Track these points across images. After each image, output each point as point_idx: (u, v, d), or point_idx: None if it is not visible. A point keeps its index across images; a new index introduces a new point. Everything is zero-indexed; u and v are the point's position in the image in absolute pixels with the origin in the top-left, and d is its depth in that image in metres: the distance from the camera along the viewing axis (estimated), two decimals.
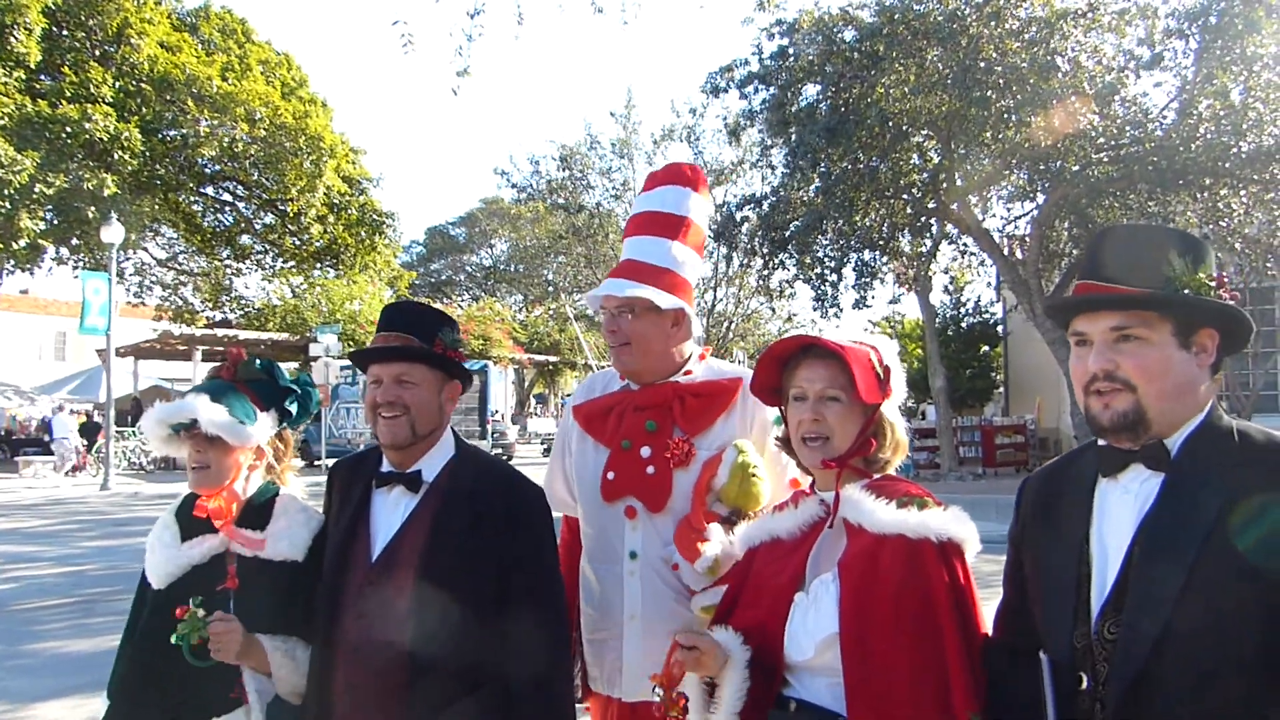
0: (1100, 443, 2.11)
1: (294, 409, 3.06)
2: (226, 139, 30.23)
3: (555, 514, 3.33)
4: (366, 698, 2.56)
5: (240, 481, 2.91)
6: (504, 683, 2.58)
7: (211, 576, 2.79)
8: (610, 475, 3.05)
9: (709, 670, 2.34)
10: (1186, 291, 1.99)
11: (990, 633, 2.28)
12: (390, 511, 2.74)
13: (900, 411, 2.54)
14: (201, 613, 2.62)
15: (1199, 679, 1.83)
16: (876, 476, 2.43)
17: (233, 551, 2.82)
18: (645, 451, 3.02)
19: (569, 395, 3.35)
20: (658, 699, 2.36)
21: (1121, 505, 2.03)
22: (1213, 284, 2.01)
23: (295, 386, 3.07)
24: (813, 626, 2.26)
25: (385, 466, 2.80)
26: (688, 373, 3.16)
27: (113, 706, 2.81)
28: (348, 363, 27.63)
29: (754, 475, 2.86)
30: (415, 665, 2.54)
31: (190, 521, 2.88)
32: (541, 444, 35.29)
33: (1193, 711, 1.83)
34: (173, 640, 2.61)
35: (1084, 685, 1.98)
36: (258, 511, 2.89)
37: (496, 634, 2.60)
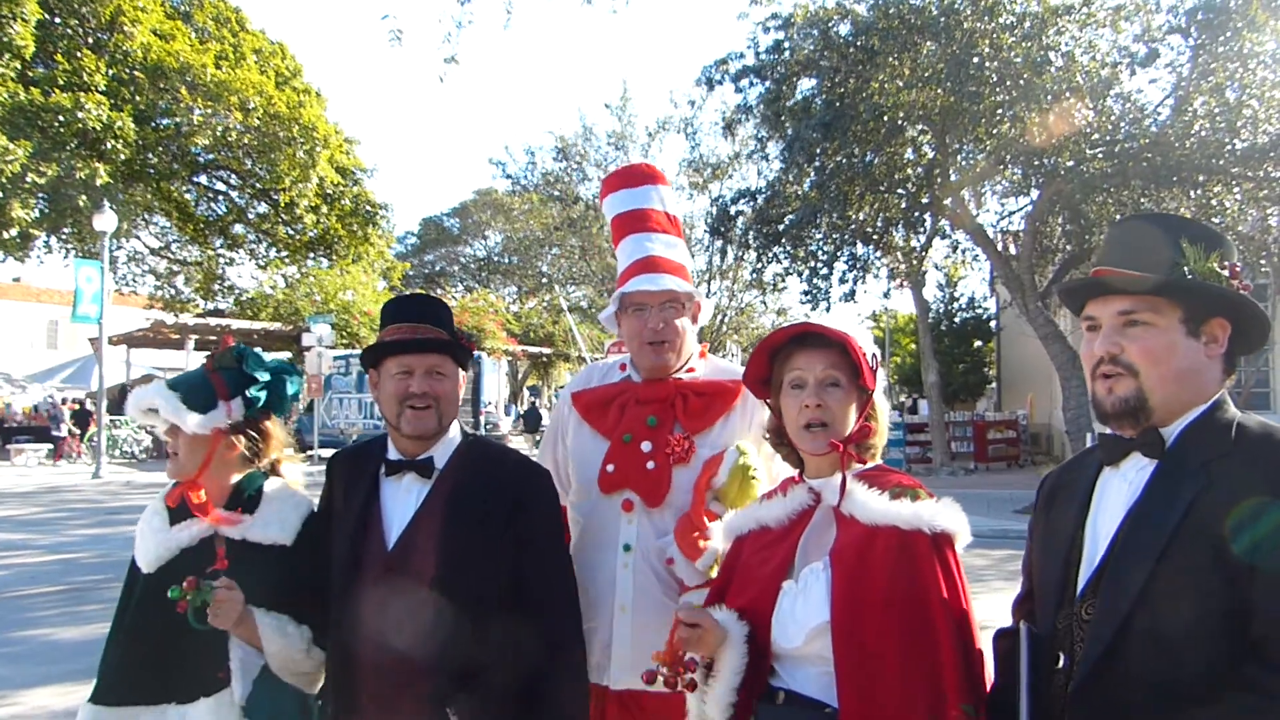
0: (1105, 432, 2.13)
1: (260, 396, 2.99)
2: (220, 128, 30.13)
3: None
4: (393, 681, 2.60)
5: (215, 469, 2.90)
6: (523, 665, 2.62)
7: (200, 559, 2.80)
8: (610, 467, 3.06)
9: (708, 649, 2.35)
10: (1192, 278, 2.00)
11: (980, 625, 2.30)
12: (402, 499, 2.76)
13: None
14: (207, 579, 2.64)
15: (1162, 663, 1.86)
16: (869, 466, 2.44)
17: (221, 534, 2.83)
18: (646, 446, 3.04)
19: (563, 387, 3.38)
20: (662, 676, 2.37)
21: (1117, 493, 2.07)
22: (1225, 273, 2.02)
23: (261, 375, 3.01)
24: (802, 615, 2.26)
25: (393, 454, 2.82)
26: (690, 369, 3.18)
27: (104, 687, 2.81)
28: (341, 353, 27.61)
29: (754, 478, 2.88)
30: (438, 651, 2.57)
31: (179, 508, 2.90)
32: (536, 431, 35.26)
33: (1154, 693, 1.86)
34: (172, 595, 2.62)
35: (1060, 664, 2.03)
36: (247, 500, 2.90)
37: (514, 617, 2.64)
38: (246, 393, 2.97)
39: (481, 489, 2.73)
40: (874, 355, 2.46)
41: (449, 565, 2.62)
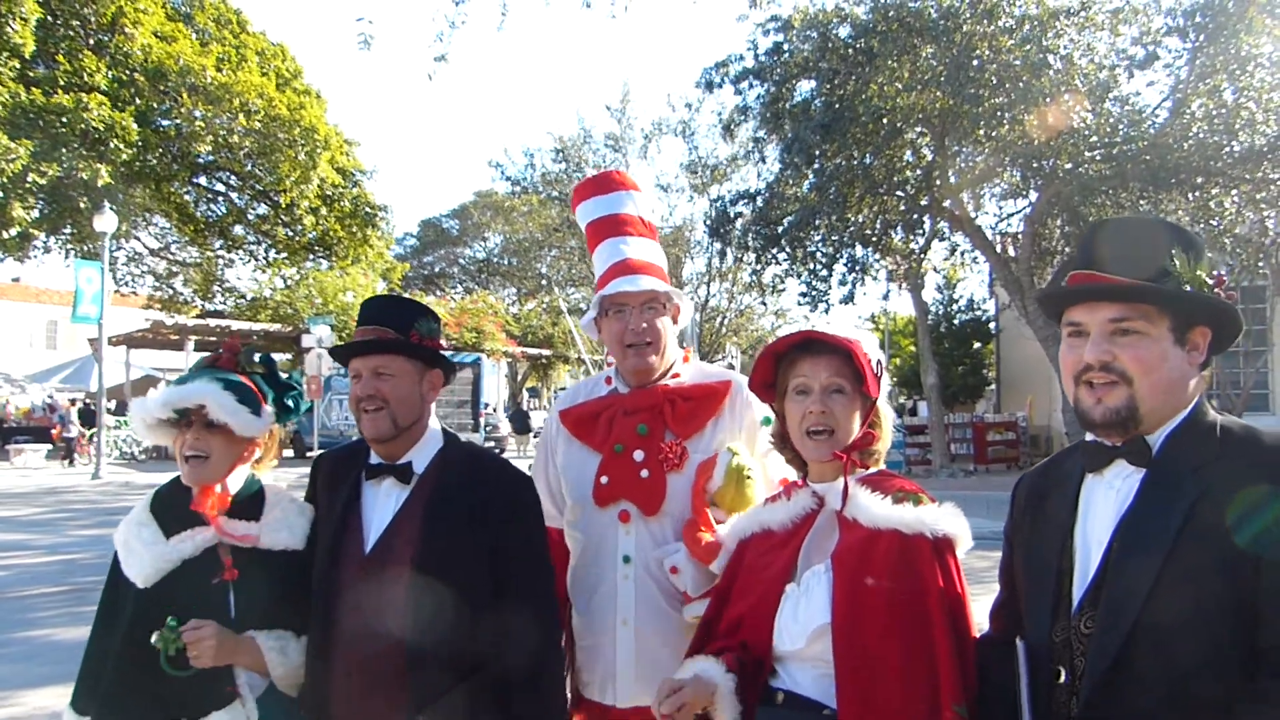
0: (1087, 438, 2.11)
1: (291, 405, 3.01)
2: (222, 130, 30.09)
3: None
4: (364, 687, 2.58)
5: (233, 475, 2.84)
6: (498, 671, 2.60)
7: (204, 569, 2.73)
8: (604, 479, 3.03)
9: (699, 708, 2.34)
10: (1188, 288, 1.99)
11: (984, 628, 2.31)
12: (382, 503, 2.74)
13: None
14: (173, 622, 2.55)
15: (1171, 673, 1.84)
16: (872, 471, 2.46)
17: (226, 543, 2.76)
18: (638, 455, 3.01)
19: (562, 389, 3.36)
20: None
21: (1105, 501, 2.04)
22: (1211, 282, 2.01)
23: (294, 384, 3.04)
24: (804, 618, 2.27)
25: (374, 459, 2.80)
26: (675, 375, 3.16)
27: (107, 711, 2.70)
28: None
29: (749, 478, 2.86)
30: (411, 654, 2.55)
31: (170, 516, 2.80)
32: (534, 436, 35.26)
33: (1164, 705, 1.84)
34: (157, 647, 2.55)
35: (1062, 679, 1.99)
36: (247, 504, 2.84)
37: (491, 623, 2.62)
38: (282, 400, 2.98)
39: (461, 494, 2.70)
40: (878, 361, 2.47)
41: (424, 570, 2.59)
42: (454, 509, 2.68)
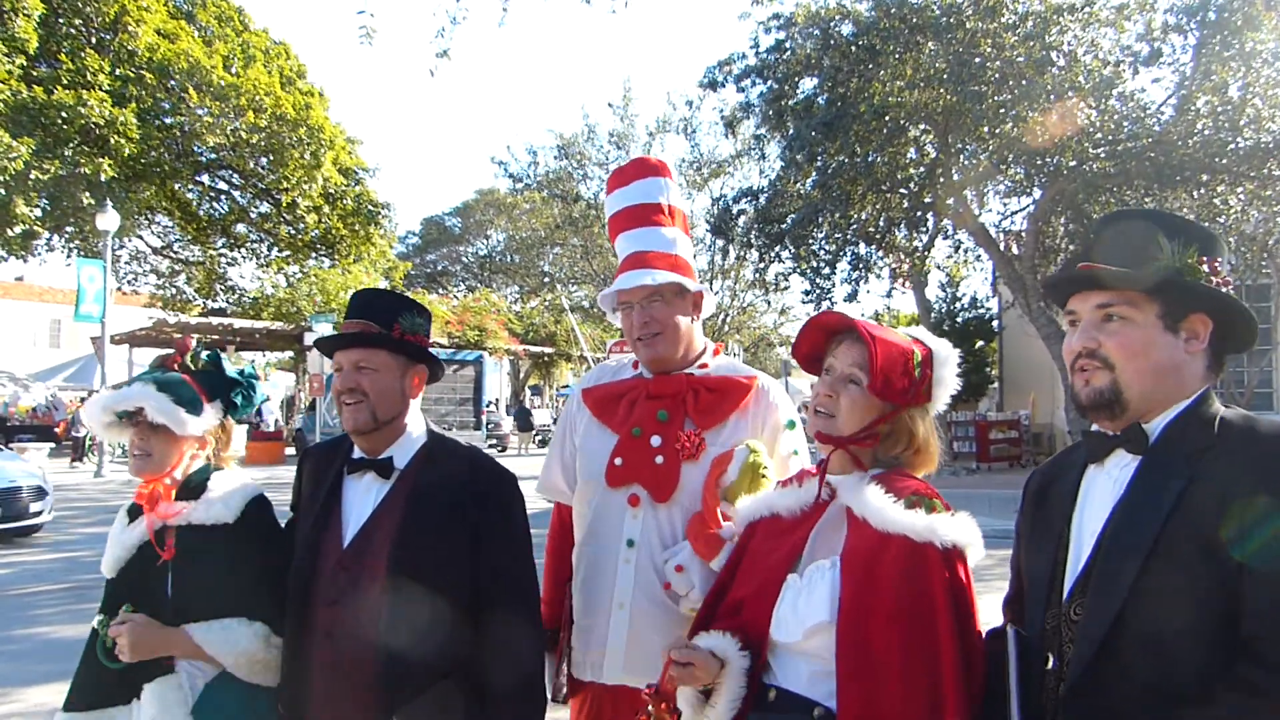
0: (1093, 428, 2.13)
1: (239, 401, 3.07)
2: (230, 128, 30.03)
3: (548, 503, 3.31)
4: (342, 682, 2.57)
5: (180, 469, 2.93)
6: (478, 668, 2.59)
7: (153, 553, 2.83)
8: (618, 461, 3.02)
9: (704, 682, 2.33)
10: (1167, 274, 1.99)
11: (985, 626, 2.29)
12: (362, 498, 2.75)
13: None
14: (126, 608, 2.70)
15: (1156, 659, 1.85)
16: (888, 470, 2.41)
17: (170, 525, 2.84)
18: (655, 441, 3.00)
19: (565, 387, 3.32)
20: (649, 716, 2.36)
21: (1103, 490, 2.06)
22: (1205, 269, 2.01)
23: (241, 378, 3.09)
24: (804, 612, 2.25)
25: (356, 453, 2.81)
26: (703, 365, 3.15)
27: (75, 693, 2.85)
28: None
29: (764, 476, 2.81)
30: (389, 650, 2.54)
31: (137, 509, 2.93)
32: (535, 435, 35.27)
33: (1148, 691, 1.85)
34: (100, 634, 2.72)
35: (1050, 665, 2.01)
36: (194, 491, 2.90)
37: (470, 620, 2.61)
38: (228, 397, 3.03)
39: (442, 491, 2.70)
40: (925, 372, 2.42)
41: (401, 566, 2.59)
42: (435, 505, 2.68)
